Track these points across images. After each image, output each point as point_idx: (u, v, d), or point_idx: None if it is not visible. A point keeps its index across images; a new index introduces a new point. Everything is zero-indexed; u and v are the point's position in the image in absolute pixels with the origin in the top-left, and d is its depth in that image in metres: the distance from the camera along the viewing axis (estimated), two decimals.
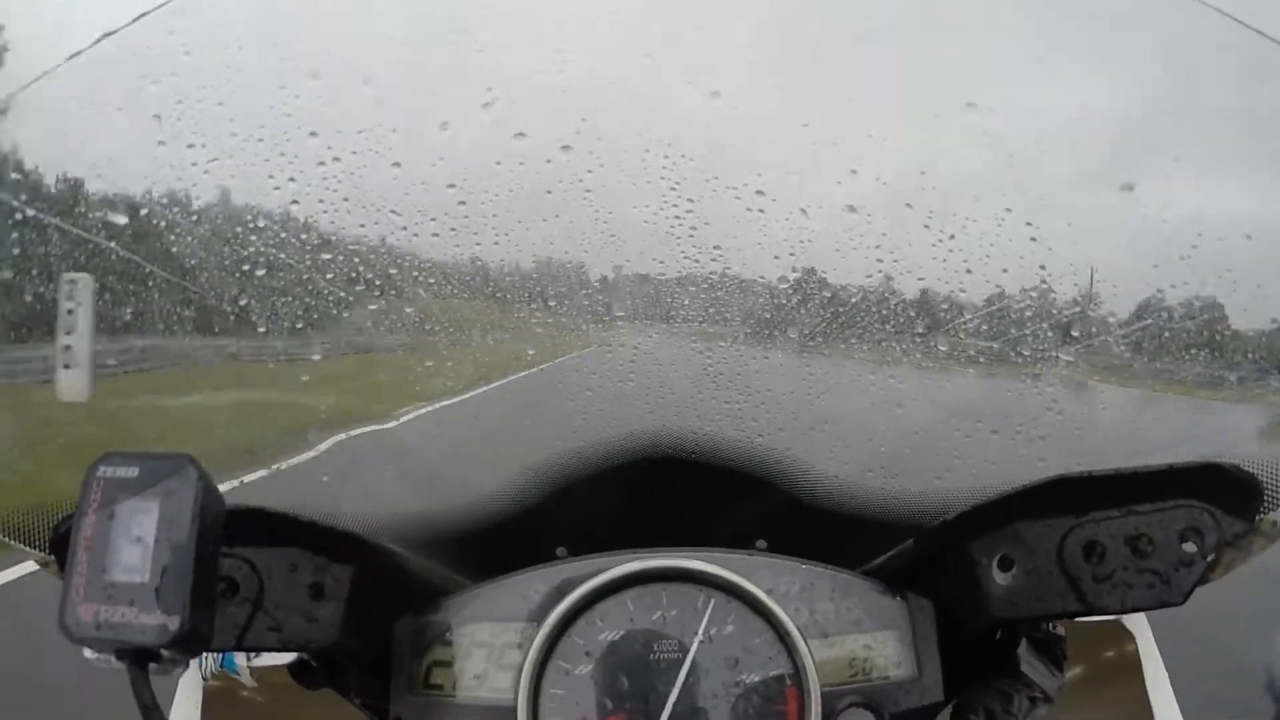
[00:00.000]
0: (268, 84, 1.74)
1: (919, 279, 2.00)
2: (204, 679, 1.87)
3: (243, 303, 1.88)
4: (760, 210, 1.88)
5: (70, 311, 1.75)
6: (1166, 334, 1.94)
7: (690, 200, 1.86)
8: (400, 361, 2.20)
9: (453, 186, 1.77)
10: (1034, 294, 1.89)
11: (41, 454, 1.68)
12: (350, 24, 1.81)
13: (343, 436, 2.22)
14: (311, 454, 2.12)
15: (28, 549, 1.34)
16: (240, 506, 1.16)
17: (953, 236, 1.88)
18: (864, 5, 1.95)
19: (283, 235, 1.82)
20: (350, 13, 1.82)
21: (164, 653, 1.02)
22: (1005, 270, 1.90)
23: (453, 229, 1.82)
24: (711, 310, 2.01)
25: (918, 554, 1.37)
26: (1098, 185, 1.96)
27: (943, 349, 1.98)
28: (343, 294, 1.90)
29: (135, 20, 1.58)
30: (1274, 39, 1.51)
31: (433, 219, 1.81)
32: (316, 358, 1.95)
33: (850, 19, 1.90)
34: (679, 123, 1.83)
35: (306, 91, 1.73)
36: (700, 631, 1.32)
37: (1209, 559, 1.18)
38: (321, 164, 1.72)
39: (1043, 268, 1.88)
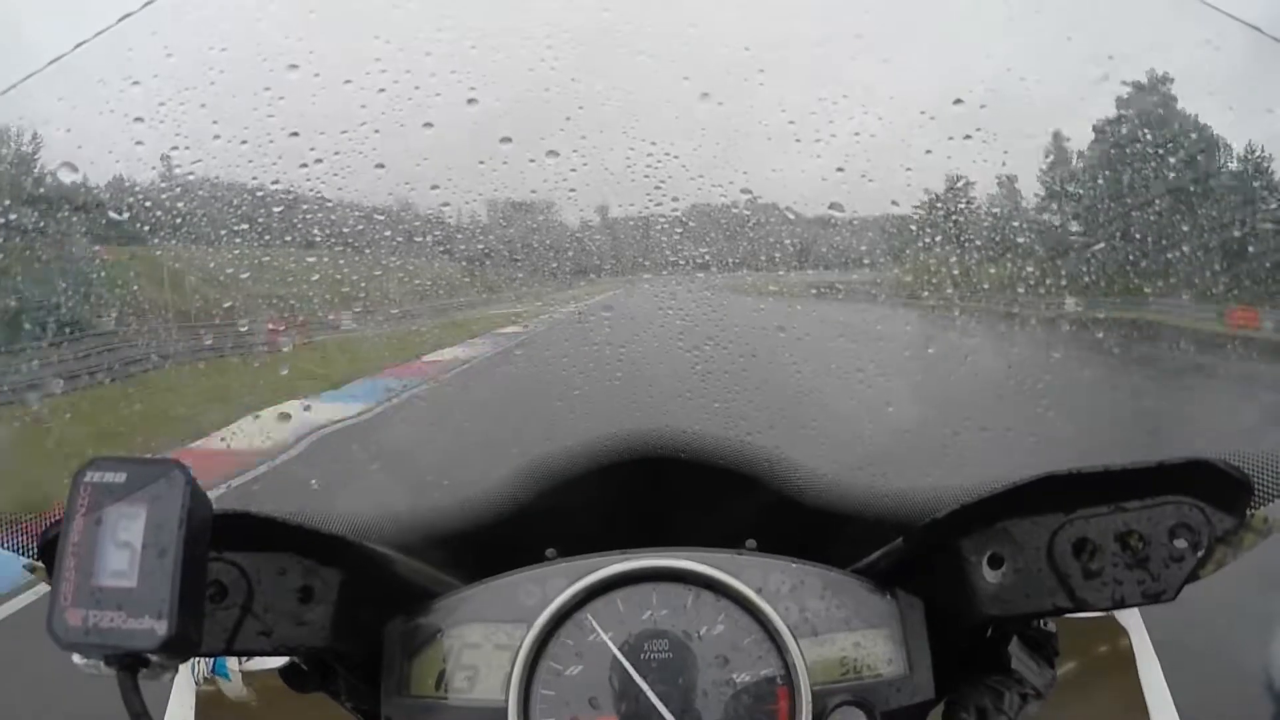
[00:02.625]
0: (250, 85, 1.73)
1: (906, 276, 2.00)
2: (196, 683, 1.87)
3: (227, 305, 1.87)
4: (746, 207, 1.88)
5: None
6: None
7: (675, 199, 1.86)
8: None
9: (436, 187, 1.76)
10: (1022, 290, 1.89)
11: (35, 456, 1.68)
12: (332, 23, 1.80)
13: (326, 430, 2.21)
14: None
15: (16, 555, 1.33)
16: (228, 511, 1.16)
17: (940, 235, 1.88)
18: (855, 4, 1.95)
19: (267, 238, 1.81)
20: (332, 12, 1.81)
21: (153, 658, 1.01)
22: (993, 269, 1.90)
23: (437, 230, 1.81)
24: (696, 306, 2.01)
25: (908, 552, 1.37)
26: (1093, 182, 1.96)
27: (931, 350, 1.98)
28: (328, 295, 1.90)
29: (118, 21, 1.58)
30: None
31: (417, 219, 1.81)
32: (287, 349, 1.94)
33: (841, 17, 1.89)
34: (664, 121, 1.83)
35: (289, 92, 1.72)
36: (690, 631, 1.32)
37: (1199, 555, 1.18)
38: (304, 165, 1.71)
39: (1034, 268, 1.88)
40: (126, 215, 1.81)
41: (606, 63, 1.83)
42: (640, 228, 1.97)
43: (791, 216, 1.96)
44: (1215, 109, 1.94)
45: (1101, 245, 2.08)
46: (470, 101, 1.73)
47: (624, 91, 1.83)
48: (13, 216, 1.72)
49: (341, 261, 1.87)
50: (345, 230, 1.84)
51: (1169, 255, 2.05)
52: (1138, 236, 2.12)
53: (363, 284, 1.91)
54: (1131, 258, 2.08)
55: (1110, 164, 2.15)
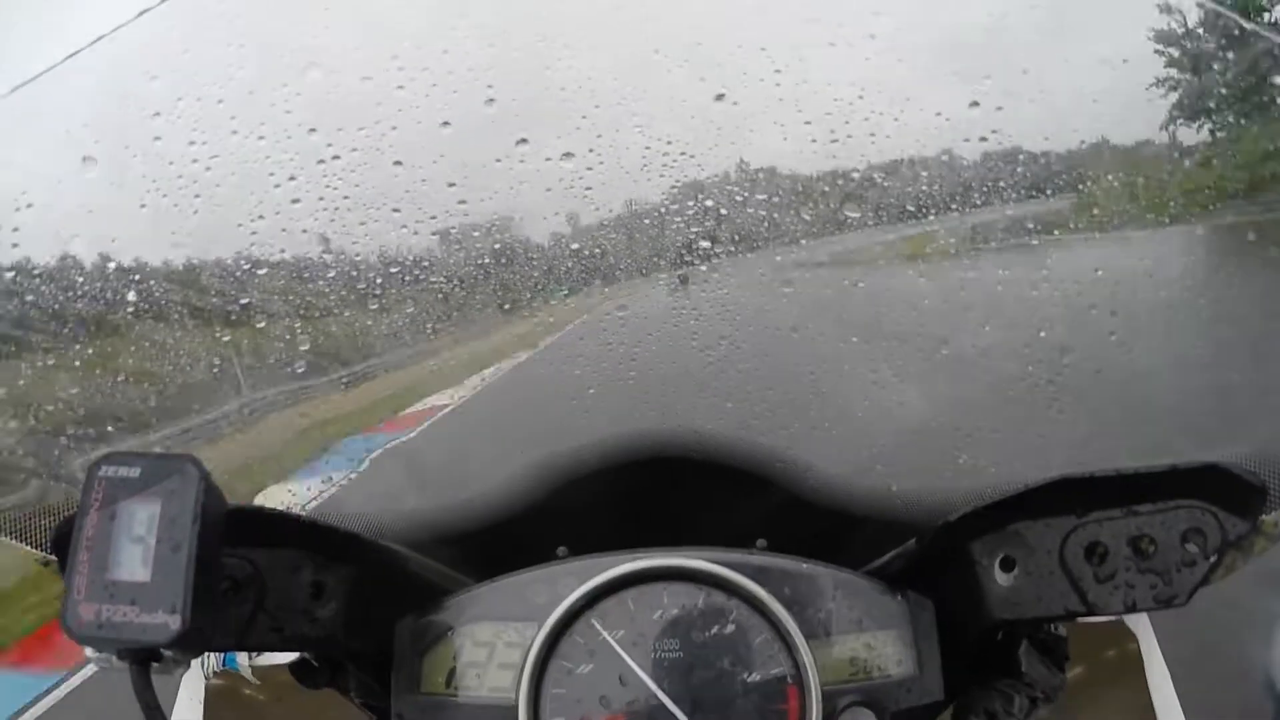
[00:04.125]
0: (268, 80, 1.74)
1: (920, 277, 2.00)
2: (206, 677, 1.87)
3: (244, 301, 1.88)
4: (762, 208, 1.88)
5: None
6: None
7: (691, 199, 1.86)
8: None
9: (453, 185, 1.77)
10: (1034, 292, 1.89)
11: None
12: (351, 20, 1.80)
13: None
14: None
15: (30, 549, 1.34)
16: (241, 507, 1.16)
17: (955, 239, 1.88)
18: (870, 5, 1.95)
19: (283, 232, 1.82)
20: (351, 8, 1.82)
21: (165, 652, 1.02)
22: (1007, 269, 1.90)
23: (453, 227, 1.82)
24: (710, 306, 2.01)
25: (919, 554, 1.37)
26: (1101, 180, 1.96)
27: (944, 352, 1.98)
28: (344, 292, 1.90)
29: (138, 16, 1.58)
30: None
31: (433, 217, 1.81)
32: (305, 348, 1.95)
33: (859, 17, 1.89)
34: (680, 120, 1.83)
35: (307, 89, 1.73)
36: (701, 630, 1.32)
37: (1211, 559, 1.17)
38: (322, 161, 1.72)
39: (1044, 270, 1.88)
40: (145, 208, 1.81)
41: (623, 62, 1.83)
42: (656, 226, 1.97)
43: (808, 217, 1.97)
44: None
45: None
46: (489, 102, 1.73)
47: (640, 91, 1.83)
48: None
49: (357, 257, 1.88)
50: (361, 225, 1.85)
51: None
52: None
53: (378, 279, 1.91)
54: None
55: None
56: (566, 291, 2.11)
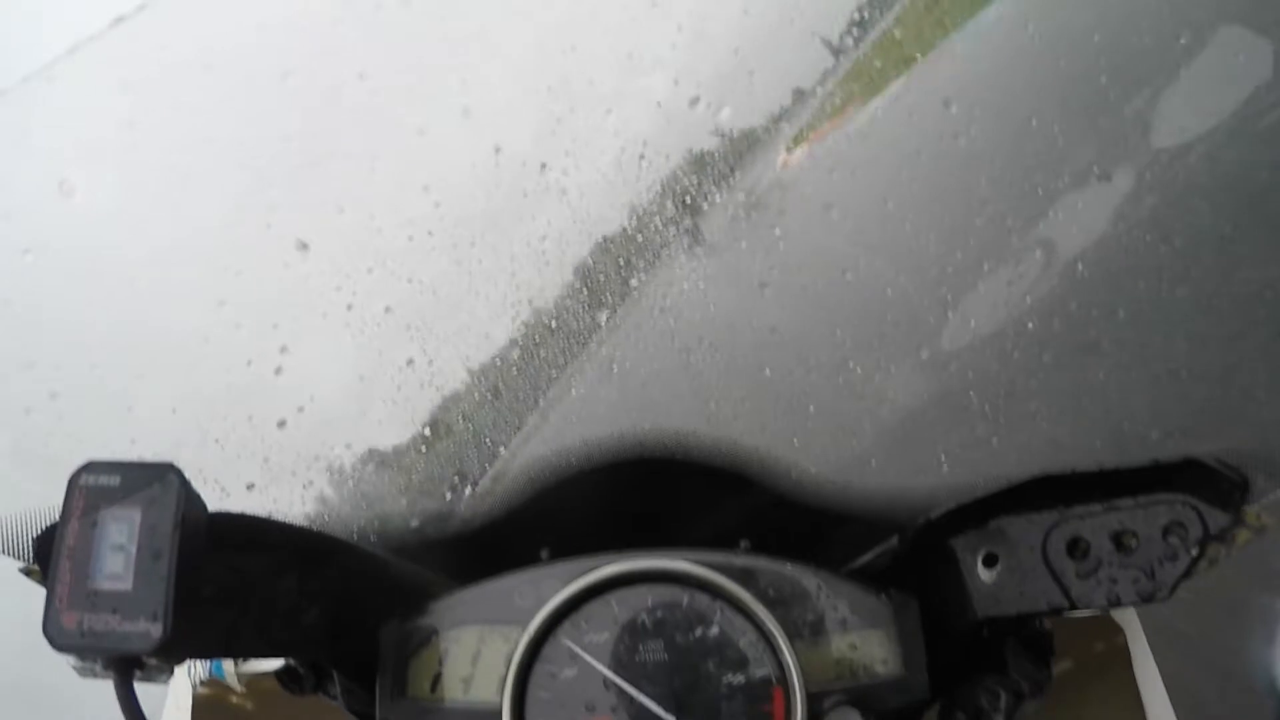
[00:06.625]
0: (243, 89, 1.74)
1: (899, 275, 2.00)
2: (193, 686, 1.87)
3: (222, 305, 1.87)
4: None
5: None
6: None
7: (669, 201, 1.86)
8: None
9: (427, 189, 1.77)
10: (1015, 289, 1.90)
11: None
12: (326, 28, 1.80)
13: None
14: None
15: (13, 557, 1.34)
16: (223, 513, 1.16)
17: (935, 235, 1.89)
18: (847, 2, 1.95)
19: (260, 241, 1.82)
20: (325, 18, 1.81)
21: (148, 660, 1.02)
22: (988, 267, 1.90)
23: (429, 232, 1.81)
24: (688, 307, 2.01)
25: (902, 552, 1.37)
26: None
27: (924, 353, 1.99)
28: (319, 299, 1.90)
29: (110, 26, 1.58)
30: None
31: (409, 220, 1.81)
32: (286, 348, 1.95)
33: (832, 15, 1.90)
34: (657, 123, 1.83)
35: (283, 97, 1.73)
36: (685, 632, 1.32)
37: (1193, 553, 1.18)
38: (298, 168, 1.72)
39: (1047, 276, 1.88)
40: (119, 218, 1.81)
41: (599, 66, 1.84)
42: (635, 229, 1.97)
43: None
44: None
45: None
46: (465, 112, 1.74)
47: (616, 94, 1.83)
48: None
49: (333, 264, 1.87)
50: (337, 232, 1.84)
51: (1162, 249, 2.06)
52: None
53: (355, 286, 1.91)
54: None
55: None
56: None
